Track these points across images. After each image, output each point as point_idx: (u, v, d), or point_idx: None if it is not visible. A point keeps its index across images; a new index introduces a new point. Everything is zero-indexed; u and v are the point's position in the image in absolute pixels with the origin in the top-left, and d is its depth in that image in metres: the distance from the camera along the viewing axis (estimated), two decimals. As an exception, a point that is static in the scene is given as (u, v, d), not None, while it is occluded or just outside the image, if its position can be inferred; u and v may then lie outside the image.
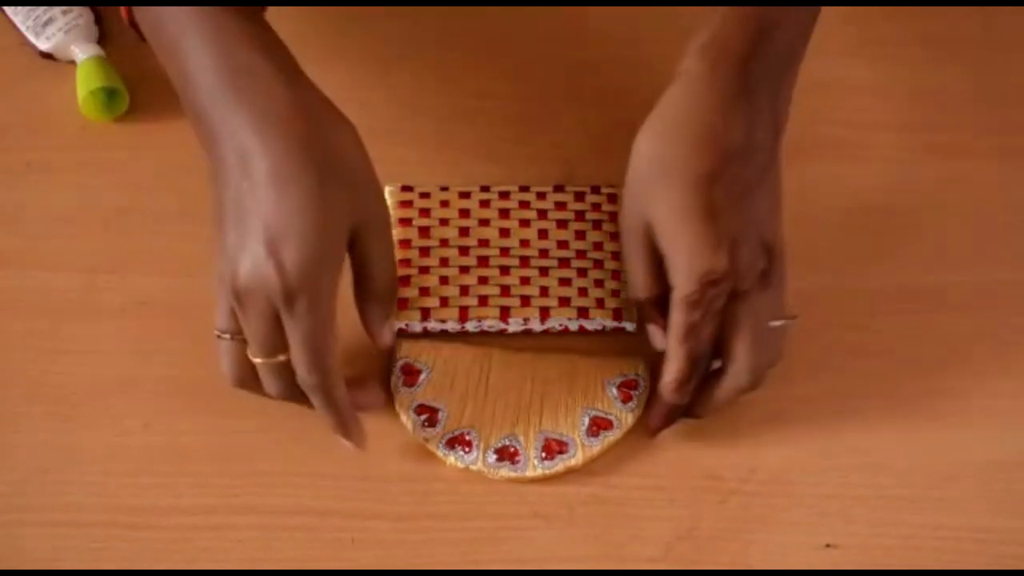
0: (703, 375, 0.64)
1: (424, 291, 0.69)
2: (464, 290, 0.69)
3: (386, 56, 0.77)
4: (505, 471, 0.65)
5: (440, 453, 0.65)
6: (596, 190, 0.72)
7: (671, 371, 0.63)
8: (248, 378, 0.62)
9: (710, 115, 0.61)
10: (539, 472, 0.65)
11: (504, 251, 0.70)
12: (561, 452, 0.65)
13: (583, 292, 0.69)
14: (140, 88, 0.75)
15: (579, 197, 0.72)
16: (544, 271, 0.70)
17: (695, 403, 0.65)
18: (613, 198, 0.72)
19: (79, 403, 0.67)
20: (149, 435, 0.66)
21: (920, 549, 0.64)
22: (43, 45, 0.75)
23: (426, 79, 0.77)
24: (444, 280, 0.69)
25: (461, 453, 0.65)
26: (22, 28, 0.76)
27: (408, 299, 0.68)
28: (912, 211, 0.73)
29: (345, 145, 0.60)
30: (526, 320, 0.68)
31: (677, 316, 0.61)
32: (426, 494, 0.65)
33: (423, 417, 0.66)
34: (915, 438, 0.67)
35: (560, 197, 0.72)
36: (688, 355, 0.62)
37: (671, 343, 0.62)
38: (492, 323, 0.68)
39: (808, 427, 0.67)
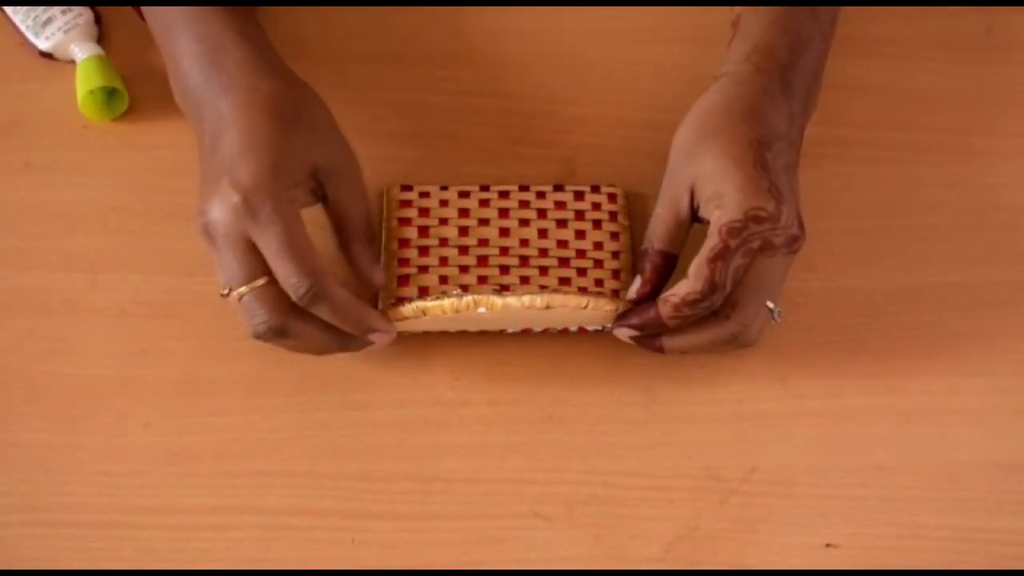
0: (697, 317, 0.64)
1: (424, 291, 0.68)
2: (464, 289, 0.69)
3: (385, 56, 0.77)
4: (510, 297, 0.63)
5: (432, 300, 0.64)
6: (596, 190, 0.72)
7: (684, 287, 0.62)
8: (284, 319, 0.61)
9: (756, 101, 0.65)
10: (546, 297, 0.63)
11: (504, 250, 0.70)
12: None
13: (583, 292, 0.69)
14: (140, 88, 0.75)
15: (579, 197, 0.72)
16: (544, 271, 0.70)
17: (671, 336, 0.65)
18: (613, 198, 0.72)
19: (79, 403, 0.67)
20: (149, 435, 0.66)
21: (920, 549, 0.64)
22: (43, 45, 0.75)
23: (425, 78, 0.77)
24: (444, 280, 0.69)
25: (457, 291, 0.65)
26: (22, 27, 0.76)
27: (408, 298, 0.68)
28: (912, 211, 0.73)
29: (310, 104, 0.65)
30: (526, 320, 0.68)
31: (713, 240, 0.62)
32: (426, 494, 0.65)
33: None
34: (916, 438, 0.67)
35: (560, 197, 0.72)
36: (708, 278, 0.62)
37: (697, 262, 0.62)
38: (492, 322, 0.68)
39: (808, 427, 0.67)
